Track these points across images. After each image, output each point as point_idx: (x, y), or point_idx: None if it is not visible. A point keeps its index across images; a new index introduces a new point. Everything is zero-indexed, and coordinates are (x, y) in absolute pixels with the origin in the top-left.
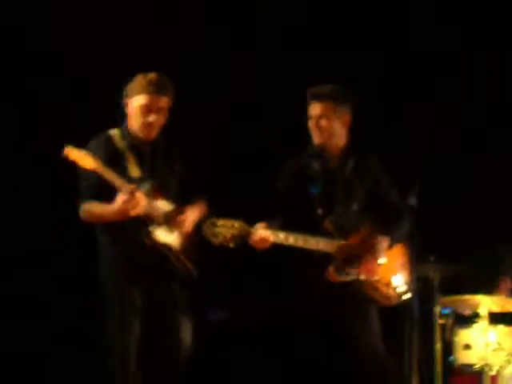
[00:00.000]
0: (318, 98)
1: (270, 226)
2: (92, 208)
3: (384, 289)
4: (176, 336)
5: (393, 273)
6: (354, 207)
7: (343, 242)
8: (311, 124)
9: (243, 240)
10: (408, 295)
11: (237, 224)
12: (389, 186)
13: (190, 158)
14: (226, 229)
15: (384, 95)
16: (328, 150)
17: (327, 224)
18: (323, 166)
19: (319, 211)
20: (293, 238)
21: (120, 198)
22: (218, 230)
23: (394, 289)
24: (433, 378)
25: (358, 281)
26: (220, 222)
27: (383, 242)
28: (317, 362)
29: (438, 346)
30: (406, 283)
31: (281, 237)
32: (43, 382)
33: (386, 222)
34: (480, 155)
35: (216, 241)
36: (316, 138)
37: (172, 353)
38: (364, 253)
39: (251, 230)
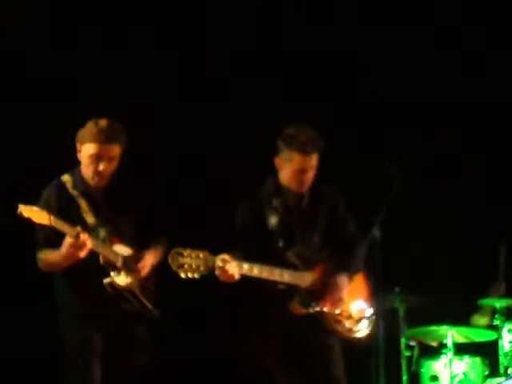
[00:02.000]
0: (312, 152)
1: (233, 257)
2: (45, 256)
3: (346, 321)
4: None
5: (354, 304)
6: (315, 239)
7: (310, 274)
8: (296, 174)
9: (208, 271)
10: (369, 327)
11: (202, 254)
12: (345, 214)
13: (146, 198)
14: (191, 259)
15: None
16: (288, 188)
17: (291, 256)
18: (282, 202)
19: (280, 244)
20: (257, 269)
21: (66, 242)
22: (183, 260)
23: (356, 321)
24: None
25: (320, 313)
26: (185, 253)
27: (343, 279)
28: None
29: (405, 378)
30: (368, 312)
31: (245, 267)
32: None
33: (342, 253)
34: (449, 182)
35: (182, 272)
36: (298, 187)
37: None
38: (327, 285)
39: (216, 259)
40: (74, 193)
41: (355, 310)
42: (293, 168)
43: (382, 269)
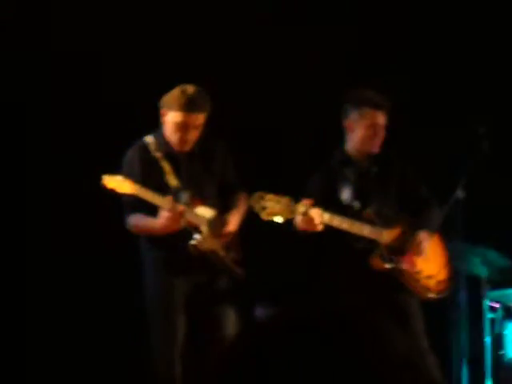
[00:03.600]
0: (382, 107)
1: (314, 205)
2: (137, 222)
3: (425, 281)
4: (220, 330)
5: (434, 265)
6: (390, 201)
7: (390, 231)
8: (371, 132)
9: (290, 215)
10: (449, 289)
11: (284, 200)
12: (415, 176)
13: (228, 160)
14: (273, 203)
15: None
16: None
17: (368, 212)
18: (353, 170)
19: (356, 206)
20: (337, 220)
21: (163, 215)
22: (265, 203)
23: (437, 282)
24: (483, 372)
25: (400, 270)
26: (268, 197)
27: (424, 237)
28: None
29: (488, 339)
30: (449, 276)
31: (326, 217)
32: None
33: (416, 214)
34: None
35: (264, 214)
36: (371, 145)
37: (215, 347)
38: (406, 243)
39: (298, 206)
40: (158, 155)
41: (434, 270)
42: (366, 124)
43: (464, 230)
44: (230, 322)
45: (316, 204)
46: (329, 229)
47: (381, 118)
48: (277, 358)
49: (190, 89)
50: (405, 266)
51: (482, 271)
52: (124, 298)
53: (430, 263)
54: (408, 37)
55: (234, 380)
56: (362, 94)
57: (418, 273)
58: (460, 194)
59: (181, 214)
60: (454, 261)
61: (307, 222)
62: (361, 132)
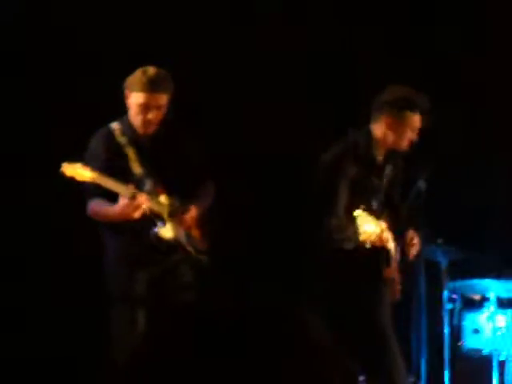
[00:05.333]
0: (424, 111)
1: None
2: (96, 207)
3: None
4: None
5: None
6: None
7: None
8: (412, 135)
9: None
10: None
11: (374, 221)
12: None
13: (192, 146)
14: (368, 225)
15: None
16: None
17: (385, 219)
18: (374, 160)
19: (374, 204)
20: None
21: (121, 202)
22: (363, 228)
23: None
24: (441, 362)
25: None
26: (364, 216)
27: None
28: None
29: (446, 330)
30: None
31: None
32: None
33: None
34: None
35: (362, 237)
36: (399, 146)
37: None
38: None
39: (382, 225)
40: (122, 140)
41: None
42: (411, 129)
43: (425, 220)
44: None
45: (347, 189)
46: None
47: (419, 123)
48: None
49: (151, 70)
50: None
51: (442, 261)
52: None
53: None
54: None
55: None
56: (411, 96)
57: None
58: (422, 184)
59: (140, 204)
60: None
61: (382, 241)
62: (400, 133)
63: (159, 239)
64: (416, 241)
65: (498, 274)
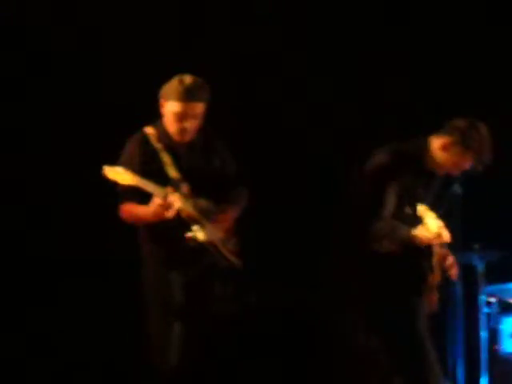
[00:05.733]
0: (482, 163)
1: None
2: (130, 209)
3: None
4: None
5: None
6: None
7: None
8: (455, 167)
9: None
10: None
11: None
12: None
13: (228, 152)
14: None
15: None
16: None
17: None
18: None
19: (407, 210)
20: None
21: (155, 202)
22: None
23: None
24: (478, 367)
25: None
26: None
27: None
28: None
29: (484, 334)
30: None
31: None
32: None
33: None
34: None
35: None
36: (442, 172)
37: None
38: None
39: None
40: (158, 146)
41: None
42: (456, 162)
43: (461, 225)
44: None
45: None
46: None
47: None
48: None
49: (188, 78)
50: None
51: (478, 265)
52: (124, 289)
53: None
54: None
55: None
56: (473, 135)
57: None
58: (457, 189)
59: (172, 203)
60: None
61: (441, 239)
62: (447, 162)
63: (195, 242)
64: (451, 261)
65: None
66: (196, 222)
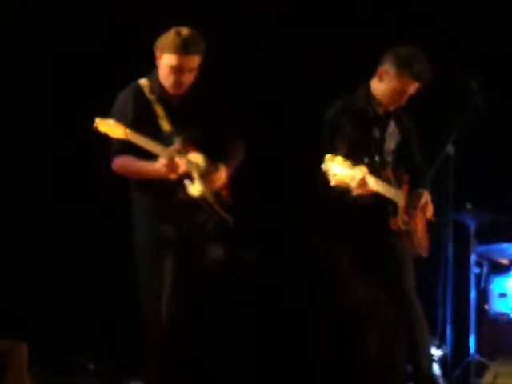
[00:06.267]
0: (423, 80)
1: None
2: (127, 163)
3: (422, 239)
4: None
5: (421, 224)
6: (394, 156)
7: (405, 193)
8: (396, 93)
9: (351, 182)
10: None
11: (347, 163)
12: (417, 148)
13: (222, 105)
14: (340, 168)
15: None
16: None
17: (389, 172)
18: (375, 113)
19: (377, 158)
20: (380, 186)
21: (161, 162)
22: (334, 169)
23: (427, 240)
24: (467, 326)
25: (409, 231)
26: (337, 160)
27: (427, 197)
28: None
29: (473, 294)
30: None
31: (375, 183)
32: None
33: (416, 170)
34: None
35: (334, 180)
36: (390, 104)
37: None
38: (417, 207)
39: (356, 172)
40: (151, 97)
41: (423, 229)
42: (394, 86)
43: (453, 185)
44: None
45: (345, 142)
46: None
47: (413, 88)
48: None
49: (185, 30)
50: (413, 226)
51: (470, 225)
52: (113, 241)
53: (423, 222)
54: None
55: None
56: (410, 56)
57: (418, 232)
58: (450, 149)
59: (178, 167)
60: (443, 215)
61: (364, 188)
62: (387, 89)
63: (188, 196)
64: (424, 201)
65: None
66: (188, 177)
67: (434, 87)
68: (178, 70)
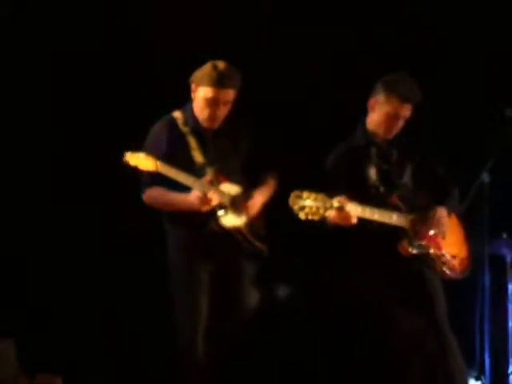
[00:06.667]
0: (410, 101)
1: (349, 199)
2: (159, 194)
3: (451, 262)
4: (241, 305)
5: (456, 244)
6: (409, 184)
7: (414, 216)
8: (388, 119)
9: (326, 213)
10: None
11: (320, 196)
12: (436, 162)
13: (255, 137)
14: (310, 201)
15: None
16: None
17: (395, 198)
18: (377, 150)
19: (381, 189)
20: (369, 212)
21: (194, 194)
22: (303, 202)
23: (460, 260)
24: (506, 356)
25: (427, 254)
26: (305, 195)
27: (442, 211)
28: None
29: (511, 324)
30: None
31: (359, 209)
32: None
33: (436, 195)
34: None
35: (303, 214)
36: (385, 133)
37: (236, 321)
38: (430, 226)
39: (333, 201)
40: (185, 129)
41: (456, 249)
42: (387, 111)
43: (489, 214)
44: (253, 300)
45: (342, 184)
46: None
47: (405, 111)
48: (295, 336)
49: (221, 64)
50: (432, 249)
51: (507, 255)
52: (149, 277)
53: (451, 242)
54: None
55: (251, 357)
56: (396, 80)
57: (443, 255)
58: (485, 177)
59: (211, 200)
60: (479, 245)
61: (343, 218)
62: (381, 117)
63: (221, 227)
64: (436, 218)
65: None
66: (221, 207)
67: (470, 115)
68: (213, 103)
